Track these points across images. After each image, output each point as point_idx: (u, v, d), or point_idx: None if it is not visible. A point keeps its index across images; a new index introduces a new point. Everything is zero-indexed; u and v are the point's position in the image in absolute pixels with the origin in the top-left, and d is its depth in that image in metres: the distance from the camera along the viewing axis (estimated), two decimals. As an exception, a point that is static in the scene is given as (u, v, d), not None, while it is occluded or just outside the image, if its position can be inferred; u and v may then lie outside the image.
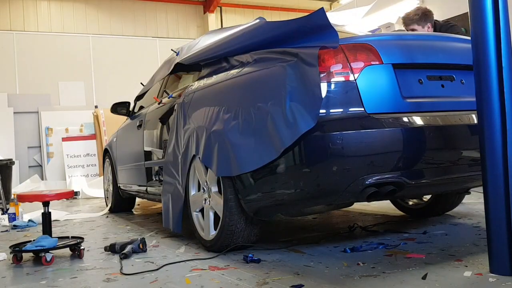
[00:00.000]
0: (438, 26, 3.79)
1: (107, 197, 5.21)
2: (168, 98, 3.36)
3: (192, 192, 2.80)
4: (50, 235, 2.83)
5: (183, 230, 2.88)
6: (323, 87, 2.02)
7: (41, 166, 8.89)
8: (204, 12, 11.87)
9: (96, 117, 8.57)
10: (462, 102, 2.31)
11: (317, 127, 1.98)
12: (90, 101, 9.95)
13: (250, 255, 2.36)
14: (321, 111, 2.00)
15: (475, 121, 2.11)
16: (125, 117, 4.76)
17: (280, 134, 2.06)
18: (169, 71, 3.53)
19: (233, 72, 2.57)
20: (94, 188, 7.28)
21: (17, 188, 7.49)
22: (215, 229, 2.58)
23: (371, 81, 2.09)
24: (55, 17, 10.27)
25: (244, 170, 2.28)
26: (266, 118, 2.14)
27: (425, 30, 3.69)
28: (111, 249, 2.78)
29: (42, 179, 8.57)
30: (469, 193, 2.98)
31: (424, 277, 1.89)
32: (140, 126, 3.92)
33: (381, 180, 2.02)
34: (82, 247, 2.76)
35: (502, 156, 1.81)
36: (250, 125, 2.23)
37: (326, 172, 2.01)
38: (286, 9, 12.63)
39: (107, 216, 4.67)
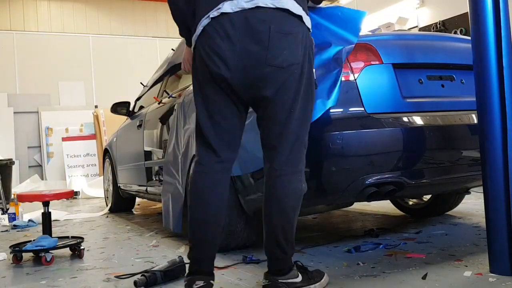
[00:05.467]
0: None
1: (107, 197, 5.20)
2: (168, 98, 3.36)
3: (192, 192, 2.79)
4: (50, 235, 2.83)
5: (183, 230, 2.88)
6: (323, 87, 2.02)
7: (41, 166, 8.89)
8: (204, 12, 11.85)
9: (96, 117, 8.56)
10: (462, 102, 2.30)
11: (317, 127, 1.98)
12: (90, 101, 9.94)
13: (250, 255, 2.36)
14: (321, 111, 2.00)
15: (475, 121, 2.11)
16: (125, 117, 4.76)
17: None
18: (168, 69, 3.52)
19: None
20: (94, 188, 7.27)
21: (17, 188, 7.48)
22: (215, 229, 2.57)
23: (371, 81, 2.09)
24: (55, 17, 10.27)
25: (245, 171, 2.27)
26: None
27: None
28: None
29: (42, 179, 8.57)
30: (469, 193, 2.97)
31: (424, 277, 1.89)
32: (140, 126, 3.92)
33: (381, 180, 2.02)
34: (82, 247, 2.76)
35: (502, 156, 1.81)
36: (251, 125, 2.23)
37: (326, 172, 2.01)
38: (286, 9, 12.60)
39: (107, 216, 4.67)
